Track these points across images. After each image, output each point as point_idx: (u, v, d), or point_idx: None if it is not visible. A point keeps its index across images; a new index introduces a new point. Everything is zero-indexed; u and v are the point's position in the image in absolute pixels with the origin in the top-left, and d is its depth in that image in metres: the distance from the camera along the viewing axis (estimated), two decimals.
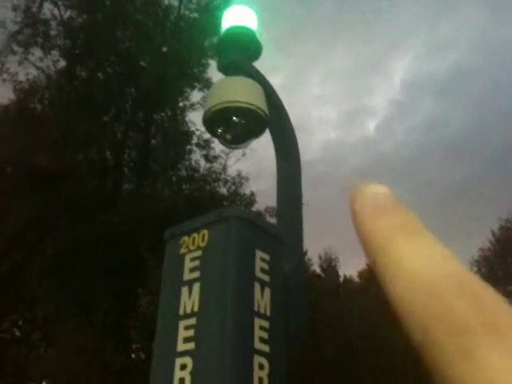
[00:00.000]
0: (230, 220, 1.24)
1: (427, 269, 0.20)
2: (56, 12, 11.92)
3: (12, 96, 11.66)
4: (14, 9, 11.40)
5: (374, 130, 46.10)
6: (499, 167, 35.79)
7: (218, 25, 2.19)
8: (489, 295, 0.19)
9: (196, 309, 1.18)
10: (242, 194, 12.83)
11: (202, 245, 1.25)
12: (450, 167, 41.30)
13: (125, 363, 9.17)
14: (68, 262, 9.53)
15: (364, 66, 47.86)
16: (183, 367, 1.11)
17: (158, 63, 11.56)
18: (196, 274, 1.23)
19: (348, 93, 45.75)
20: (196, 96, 13.14)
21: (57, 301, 9.50)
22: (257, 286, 1.22)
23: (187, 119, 13.24)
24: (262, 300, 1.21)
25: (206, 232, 1.26)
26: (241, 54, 2.03)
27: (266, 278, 1.26)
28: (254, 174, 20.56)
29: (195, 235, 1.28)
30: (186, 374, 1.10)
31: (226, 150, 11.49)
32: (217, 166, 13.00)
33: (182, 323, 1.18)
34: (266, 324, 1.19)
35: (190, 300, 1.20)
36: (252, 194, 12.76)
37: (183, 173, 12.93)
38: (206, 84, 12.39)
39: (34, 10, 11.65)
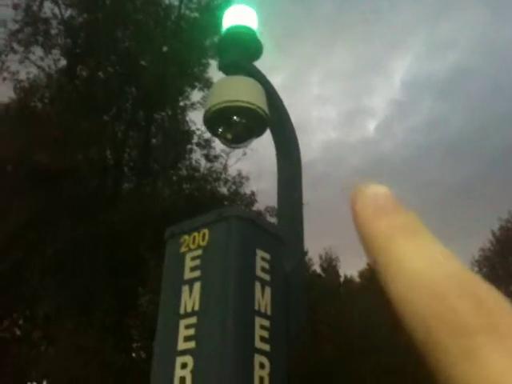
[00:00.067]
0: (231, 219, 1.24)
1: (429, 269, 0.20)
2: (56, 11, 11.93)
3: (12, 95, 11.67)
4: (15, 7, 11.40)
5: (374, 130, 45.99)
6: (499, 167, 35.75)
7: (218, 24, 2.19)
8: (490, 295, 0.19)
9: (196, 308, 1.18)
10: (242, 194, 12.83)
11: (203, 244, 1.25)
12: (450, 167, 41.23)
13: (125, 362, 9.17)
14: (68, 261, 9.53)
15: (364, 66, 47.83)
16: (184, 366, 1.11)
17: (159, 63, 11.56)
18: (196, 273, 1.23)
19: (348, 93, 45.69)
20: (196, 95, 13.16)
21: (57, 300, 9.50)
22: (257, 285, 1.22)
23: (188, 119, 13.25)
24: (263, 299, 1.21)
25: (206, 231, 1.26)
26: (241, 53, 2.03)
27: (267, 277, 1.26)
28: (254, 174, 20.59)
29: (196, 234, 1.28)
30: (187, 373, 1.10)
31: (227, 149, 11.51)
32: (217, 165, 13.01)
33: (183, 322, 1.18)
34: (266, 323, 1.19)
35: (190, 299, 1.20)
36: (252, 193, 12.77)
37: (183, 172, 12.93)
38: (207, 83, 12.39)
39: (35, 8, 11.65)
